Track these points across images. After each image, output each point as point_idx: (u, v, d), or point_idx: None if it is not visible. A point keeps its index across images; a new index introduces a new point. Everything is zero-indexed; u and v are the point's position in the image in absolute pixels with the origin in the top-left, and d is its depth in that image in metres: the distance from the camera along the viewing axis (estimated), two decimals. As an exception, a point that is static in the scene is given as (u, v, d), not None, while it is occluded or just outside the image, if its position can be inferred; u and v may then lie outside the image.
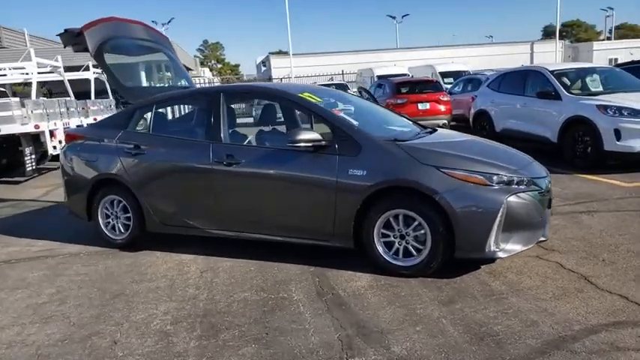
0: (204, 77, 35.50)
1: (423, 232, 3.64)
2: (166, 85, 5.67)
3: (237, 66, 73.73)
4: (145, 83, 5.38)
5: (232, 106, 4.75)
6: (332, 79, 28.86)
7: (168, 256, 4.59)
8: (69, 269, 4.39)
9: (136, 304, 3.55)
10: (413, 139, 4.07)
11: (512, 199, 3.51)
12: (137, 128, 4.83)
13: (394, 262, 3.77)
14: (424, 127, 4.80)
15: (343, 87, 18.99)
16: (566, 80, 8.62)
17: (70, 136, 5.22)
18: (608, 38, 56.76)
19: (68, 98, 11.74)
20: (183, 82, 5.83)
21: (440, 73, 24.30)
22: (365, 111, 5.07)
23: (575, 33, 68.25)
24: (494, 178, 3.56)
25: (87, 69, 13.81)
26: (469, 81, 15.42)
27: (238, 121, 5.58)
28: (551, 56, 37.02)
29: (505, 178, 3.58)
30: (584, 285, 3.42)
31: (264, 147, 4.32)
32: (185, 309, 3.42)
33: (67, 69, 13.46)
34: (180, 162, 4.44)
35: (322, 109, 4.15)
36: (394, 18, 51.69)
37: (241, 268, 4.15)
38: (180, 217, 4.52)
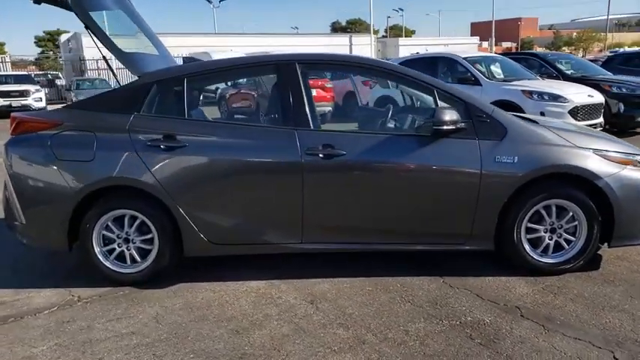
0: None
1: (575, 222, 3.28)
2: (175, 56, 4.09)
3: (1, 45, 58.23)
4: (145, 50, 3.76)
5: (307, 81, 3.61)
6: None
7: (225, 286, 3.32)
8: (94, 330, 2.82)
9: (292, 367, 2.41)
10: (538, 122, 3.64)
11: (654, 180, 3.37)
12: (156, 111, 3.36)
13: (542, 259, 3.33)
14: None
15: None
16: (480, 67, 9.15)
17: (26, 123, 3.37)
18: (396, 36, 64.39)
19: None
20: (157, 52, 4.30)
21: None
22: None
23: (358, 30, 74.83)
24: (638, 158, 3.38)
25: None
26: (341, 68, 15.51)
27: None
28: (366, 49, 40.09)
29: (643, 160, 3.43)
30: None
31: (372, 132, 3.39)
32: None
33: None
34: (249, 157, 3.22)
35: (449, 86, 3.44)
36: (211, 2, 49.76)
37: (353, 289, 3.21)
38: (248, 232, 3.30)
